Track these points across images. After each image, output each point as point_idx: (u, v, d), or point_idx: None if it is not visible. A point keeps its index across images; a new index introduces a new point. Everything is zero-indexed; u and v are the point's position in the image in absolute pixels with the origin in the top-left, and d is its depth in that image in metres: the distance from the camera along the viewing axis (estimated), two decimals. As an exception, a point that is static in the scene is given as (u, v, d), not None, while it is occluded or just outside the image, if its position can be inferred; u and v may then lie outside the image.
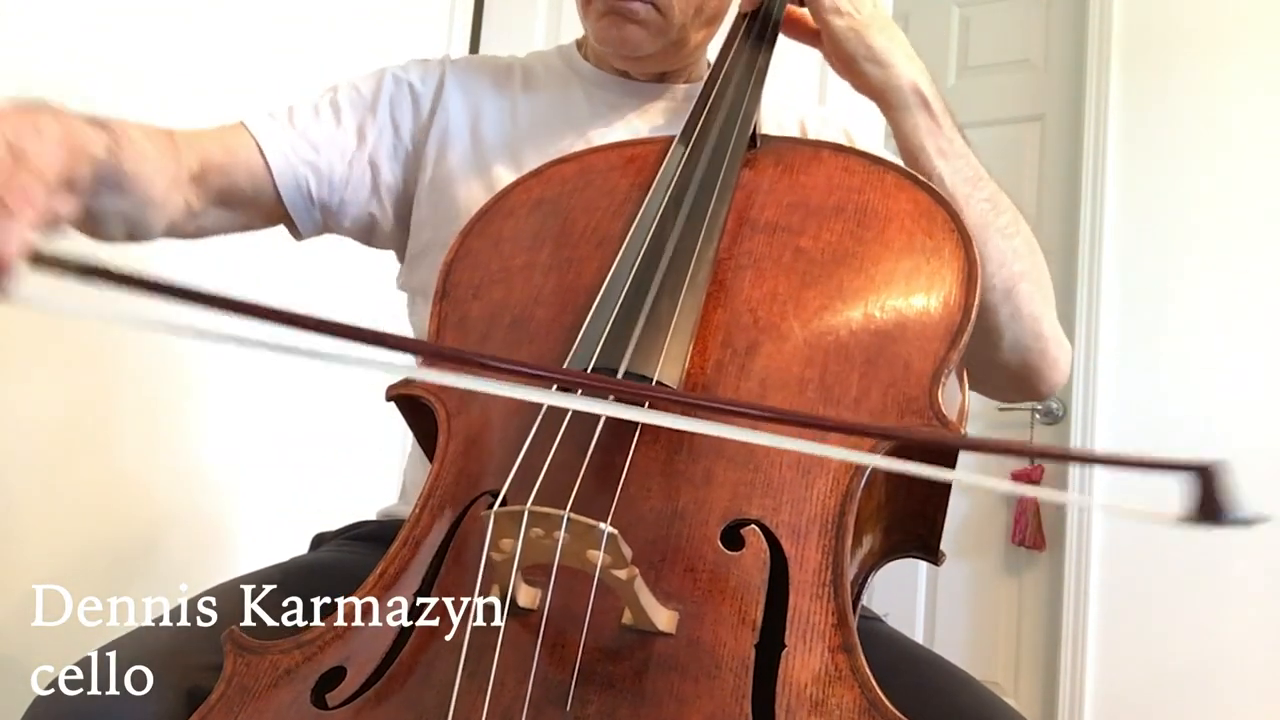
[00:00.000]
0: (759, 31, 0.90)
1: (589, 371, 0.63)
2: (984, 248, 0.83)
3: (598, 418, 0.60)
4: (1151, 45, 2.47)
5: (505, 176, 0.92)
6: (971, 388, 0.94)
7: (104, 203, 0.74)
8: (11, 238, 0.49)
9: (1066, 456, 1.48)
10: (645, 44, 0.93)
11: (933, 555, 0.70)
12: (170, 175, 0.82)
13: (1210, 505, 0.45)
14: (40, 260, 0.49)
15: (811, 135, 0.99)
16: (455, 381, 0.60)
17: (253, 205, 0.94)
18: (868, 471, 0.60)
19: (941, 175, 0.84)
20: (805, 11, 0.89)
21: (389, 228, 1.01)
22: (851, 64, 0.86)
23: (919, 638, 2.34)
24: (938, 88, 0.88)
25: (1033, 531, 2.49)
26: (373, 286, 1.20)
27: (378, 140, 0.98)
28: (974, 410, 0.74)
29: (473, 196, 0.93)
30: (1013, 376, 0.90)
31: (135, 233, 0.81)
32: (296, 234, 0.99)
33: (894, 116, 0.86)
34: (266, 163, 0.92)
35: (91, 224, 0.77)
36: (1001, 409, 2.53)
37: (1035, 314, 0.87)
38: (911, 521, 0.69)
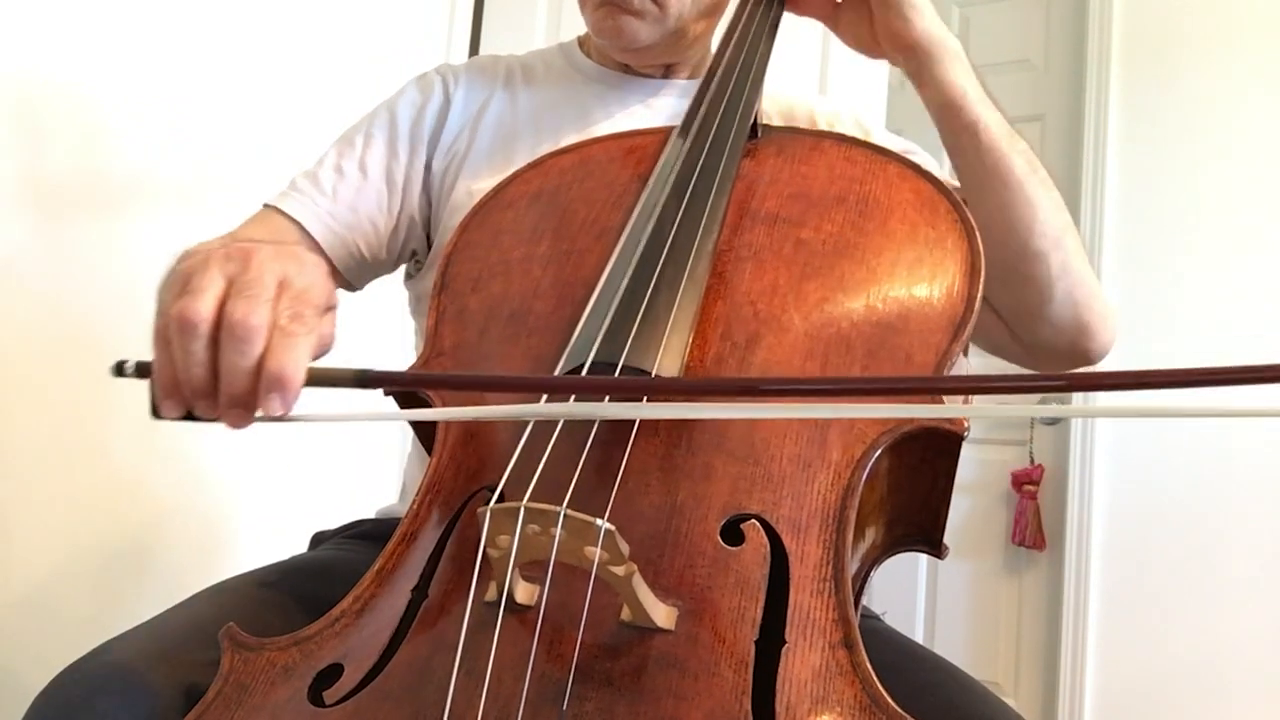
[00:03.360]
0: (762, 17, 0.89)
1: (587, 365, 0.62)
2: (1033, 196, 0.82)
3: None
4: (1151, 45, 2.47)
5: None
6: (1020, 359, 0.91)
7: None
8: (299, 359, 0.55)
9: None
10: (643, 35, 0.92)
11: (936, 549, 0.69)
12: None
13: None
14: (314, 378, 0.56)
15: (822, 127, 0.98)
16: (442, 415, 0.63)
17: None
18: (869, 465, 0.60)
19: (987, 123, 0.82)
20: None
21: (424, 254, 1.02)
22: (896, 9, 0.82)
23: (919, 638, 2.34)
24: None
25: (1033, 531, 2.49)
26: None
27: (407, 178, 0.98)
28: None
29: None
30: (1066, 332, 0.89)
31: None
32: (350, 289, 1.00)
33: (933, 67, 0.83)
34: (315, 241, 0.92)
35: None
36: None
37: (1083, 267, 0.86)
38: (915, 514, 0.68)
